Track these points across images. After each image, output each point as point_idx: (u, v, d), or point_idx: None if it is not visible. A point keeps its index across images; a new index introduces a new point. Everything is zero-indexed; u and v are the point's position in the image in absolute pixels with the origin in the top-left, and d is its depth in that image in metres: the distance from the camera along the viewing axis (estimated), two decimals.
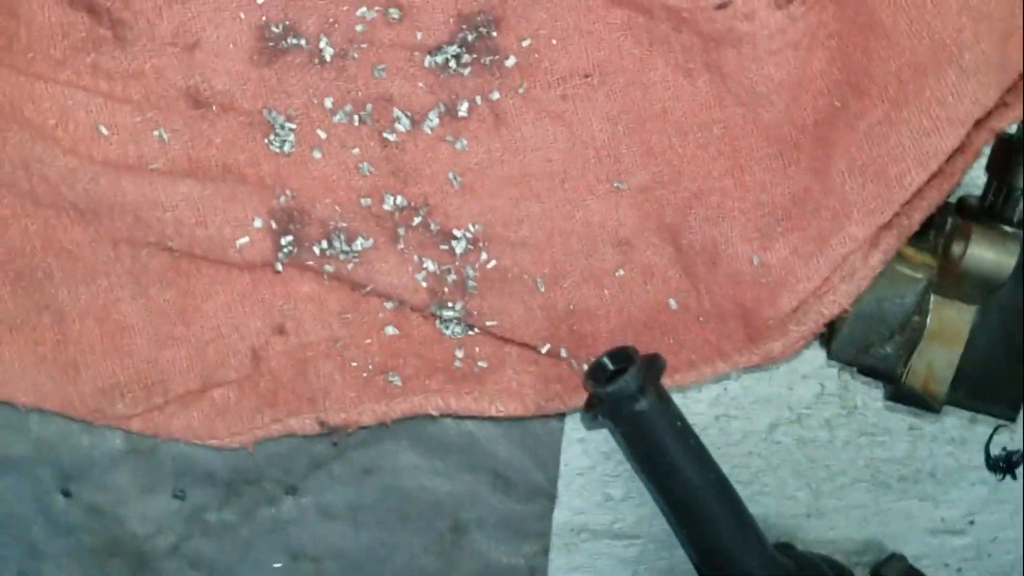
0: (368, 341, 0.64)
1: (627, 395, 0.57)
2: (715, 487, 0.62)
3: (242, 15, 0.56)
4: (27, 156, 0.53)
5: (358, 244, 0.60)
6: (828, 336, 0.65)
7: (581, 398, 0.64)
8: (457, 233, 0.63)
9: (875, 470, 0.74)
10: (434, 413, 0.64)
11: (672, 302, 0.65)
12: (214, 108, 0.58)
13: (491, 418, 0.67)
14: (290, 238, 0.58)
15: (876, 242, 0.63)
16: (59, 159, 0.53)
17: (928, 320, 0.63)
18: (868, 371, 0.66)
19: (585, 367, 0.66)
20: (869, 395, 0.72)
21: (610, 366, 0.60)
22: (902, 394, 0.65)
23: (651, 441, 0.59)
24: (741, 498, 0.64)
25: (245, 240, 0.57)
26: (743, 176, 0.63)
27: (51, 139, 0.54)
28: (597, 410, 0.58)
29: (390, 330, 0.64)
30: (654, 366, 0.58)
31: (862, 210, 0.61)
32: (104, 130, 0.55)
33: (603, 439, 0.71)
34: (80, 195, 0.54)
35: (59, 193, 0.54)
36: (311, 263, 0.59)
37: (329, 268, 0.59)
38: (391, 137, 0.61)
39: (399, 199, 0.62)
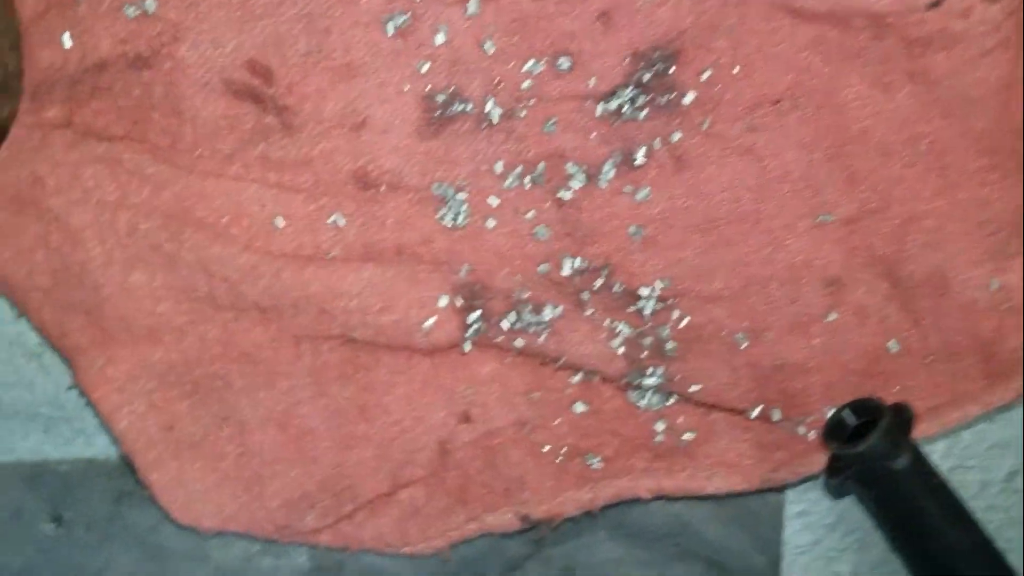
0: (557, 422, 0.59)
1: (881, 453, 0.49)
2: (981, 551, 0.53)
3: (406, 87, 0.53)
4: (205, 258, 0.50)
5: (547, 313, 0.54)
6: None
7: (812, 464, 0.56)
8: (643, 292, 0.58)
9: None
10: (645, 496, 0.57)
11: (892, 345, 0.58)
12: (382, 188, 0.55)
13: (702, 497, 0.60)
14: (478, 314, 0.53)
15: None
16: (238, 257, 0.50)
17: None
18: None
19: (801, 430, 0.58)
20: None
21: (852, 421, 0.52)
22: None
23: (909, 504, 0.51)
24: (1008, 564, 0.55)
25: (432, 321, 0.53)
26: (957, 194, 0.57)
27: (227, 237, 0.51)
28: (846, 475, 0.51)
29: (579, 407, 0.58)
30: (904, 417, 0.51)
31: None
32: (280, 222, 0.52)
33: (827, 510, 0.63)
34: (262, 292, 0.50)
35: (240, 293, 0.51)
36: (500, 340, 0.54)
37: (519, 343, 0.54)
38: (566, 195, 0.56)
39: (578, 262, 0.57)
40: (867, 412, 0.52)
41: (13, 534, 0.59)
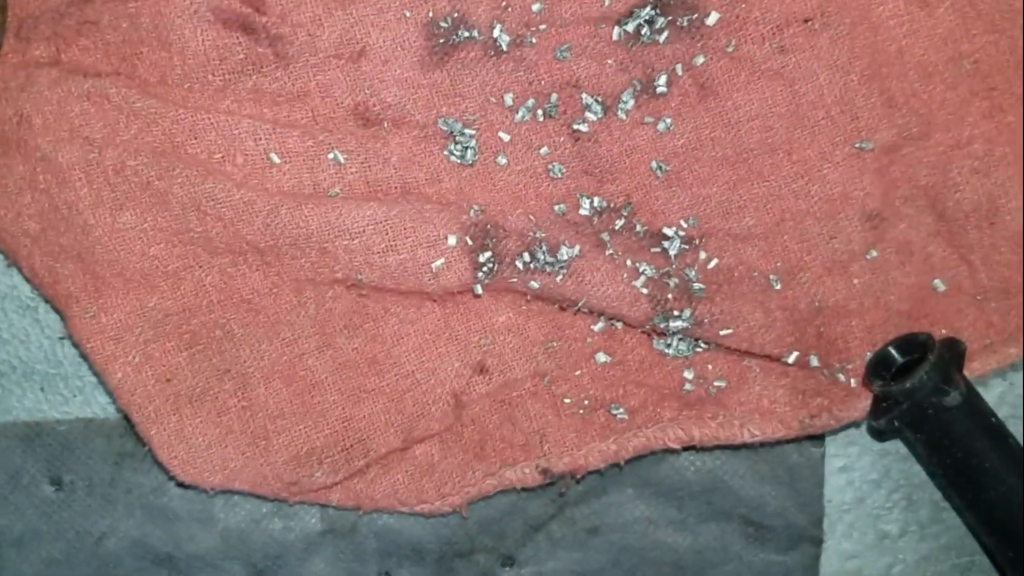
0: (578, 372, 0.55)
1: (931, 389, 0.45)
2: None
3: (407, 13, 0.50)
4: (198, 194, 0.47)
5: (563, 253, 0.51)
6: None
7: (854, 409, 0.52)
8: (668, 232, 0.54)
9: None
10: (675, 446, 0.54)
11: (938, 283, 0.54)
12: (386, 125, 0.51)
13: (738, 448, 0.56)
14: (488, 254, 0.50)
15: None
16: (233, 193, 0.47)
17: None
18: None
19: (841, 377, 0.54)
20: None
21: (898, 358, 0.48)
22: None
23: (963, 445, 0.47)
24: None
25: (441, 262, 0.49)
26: (1005, 117, 0.52)
27: (221, 174, 0.48)
28: (893, 415, 0.47)
29: (601, 357, 0.55)
30: (955, 351, 0.47)
31: None
32: (276, 158, 0.49)
33: (871, 464, 0.58)
34: (259, 231, 0.47)
35: (236, 232, 0.48)
36: (515, 280, 0.50)
37: (535, 284, 0.51)
38: (582, 128, 0.53)
39: (597, 201, 0.54)
40: (914, 349, 0.48)
41: (13, 497, 0.56)
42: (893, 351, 0.48)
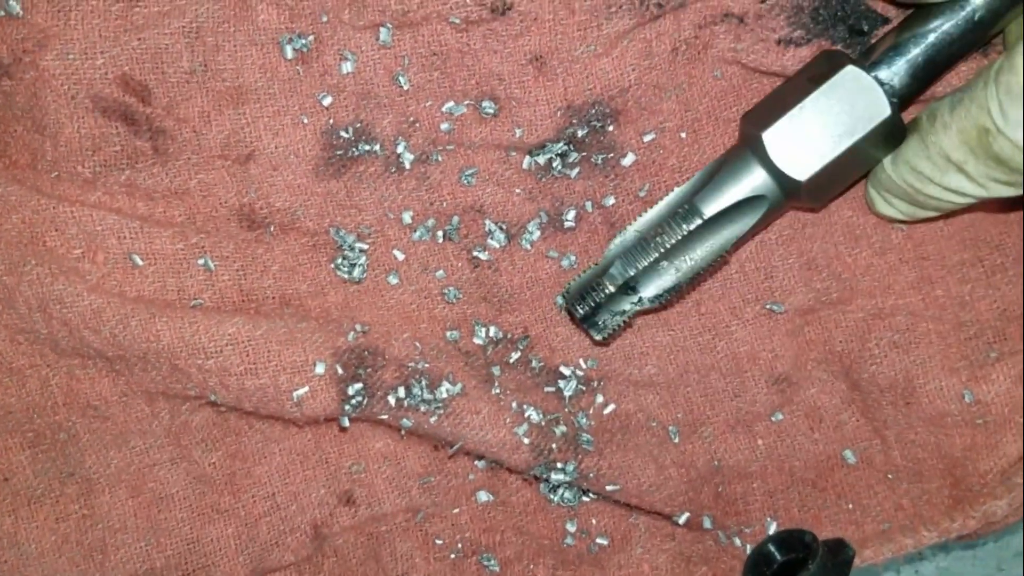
0: (456, 511, 0.51)
1: None
2: None
3: (305, 119, 0.47)
4: (45, 296, 0.43)
5: (443, 390, 0.47)
6: None
7: None
8: (565, 371, 0.51)
9: None
10: None
11: (849, 454, 0.51)
12: (272, 229, 0.48)
13: None
14: (359, 386, 0.46)
15: None
16: (82, 298, 0.44)
17: None
18: None
19: (737, 541, 0.51)
20: None
21: (778, 556, 0.45)
22: None
23: None
24: None
25: (304, 391, 0.46)
26: (934, 290, 0.50)
27: (75, 273, 0.44)
28: None
29: (483, 496, 0.51)
30: (840, 558, 0.43)
31: None
32: (138, 260, 0.46)
33: None
34: (106, 341, 0.44)
35: (82, 339, 0.44)
36: (385, 416, 0.47)
37: (407, 422, 0.47)
38: (482, 255, 0.50)
39: (493, 330, 0.50)
40: (797, 547, 0.44)
41: None
42: (773, 549, 0.45)
